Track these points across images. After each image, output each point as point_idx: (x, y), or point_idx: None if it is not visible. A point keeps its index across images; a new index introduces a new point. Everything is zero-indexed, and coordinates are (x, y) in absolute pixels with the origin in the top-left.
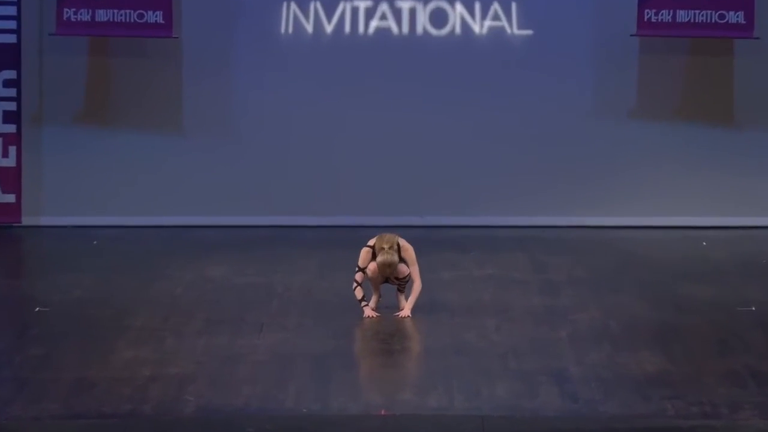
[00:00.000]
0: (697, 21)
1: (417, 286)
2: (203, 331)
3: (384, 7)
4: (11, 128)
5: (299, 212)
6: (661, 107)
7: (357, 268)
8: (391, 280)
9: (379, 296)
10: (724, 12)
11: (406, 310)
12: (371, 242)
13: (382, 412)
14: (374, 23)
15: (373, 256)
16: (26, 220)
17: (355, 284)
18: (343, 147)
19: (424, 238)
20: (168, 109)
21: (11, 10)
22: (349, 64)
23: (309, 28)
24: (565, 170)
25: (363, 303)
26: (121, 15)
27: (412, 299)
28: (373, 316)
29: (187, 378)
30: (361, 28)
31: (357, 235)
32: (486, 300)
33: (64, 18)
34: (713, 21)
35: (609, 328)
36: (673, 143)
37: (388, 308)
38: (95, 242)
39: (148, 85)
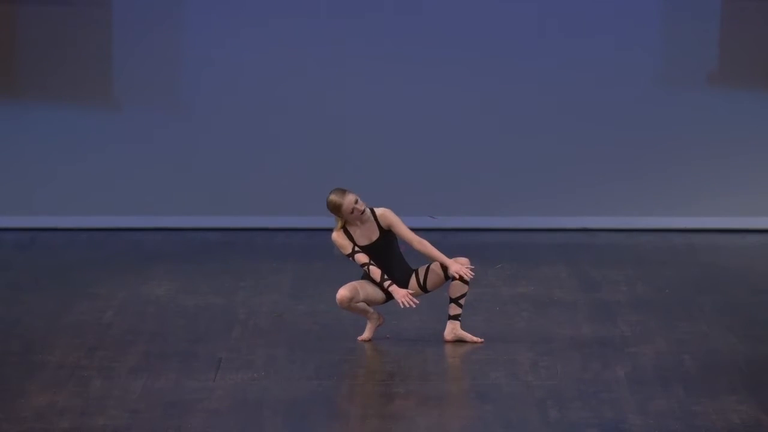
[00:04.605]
0: None
1: (423, 242)
2: (141, 369)
3: None
4: None
5: (268, 211)
6: (753, 70)
7: (348, 254)
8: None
9: (379, 319)
10: None
11: (454, 267)
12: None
13: None
14: None
15: (347, 233)
16: None
17: (364, 266)
18: (328, 124)
19: (437, 245)
20: (93, 73)
21: None
22: (345, 19)
23: None
24: (622, 156)
25: (387, 282)
26: None
27: (439, 254)
28: (367, 338)
29: (120, 431)
30: None
31: None
32: (518, 328)
33: None
34: None
35: (682, 366)
36: None
37: (392, 339)
38: None
39: (68, 41)
